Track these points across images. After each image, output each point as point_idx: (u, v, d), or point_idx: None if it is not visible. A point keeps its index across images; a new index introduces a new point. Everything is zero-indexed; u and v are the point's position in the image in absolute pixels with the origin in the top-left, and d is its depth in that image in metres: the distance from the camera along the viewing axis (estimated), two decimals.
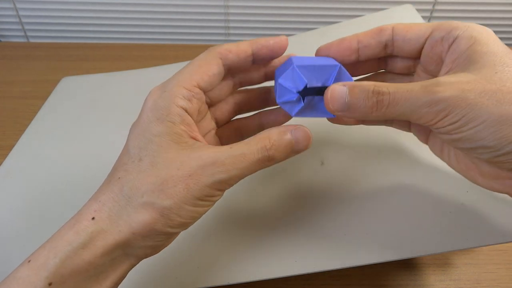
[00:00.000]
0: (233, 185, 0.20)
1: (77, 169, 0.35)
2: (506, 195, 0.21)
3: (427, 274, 0.32)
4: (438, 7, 0.71)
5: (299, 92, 0.21)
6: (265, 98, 0.26)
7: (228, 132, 0.26)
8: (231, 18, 0.73)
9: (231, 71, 0.23)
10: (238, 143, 0.20)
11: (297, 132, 0.20)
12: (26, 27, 0.74)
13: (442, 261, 0.33)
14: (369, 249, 0.25)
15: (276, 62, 0.25)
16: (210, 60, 0.22)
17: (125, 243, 0.19)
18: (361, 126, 0.32)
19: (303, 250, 0.26)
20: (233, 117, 0.26)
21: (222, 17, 0.73)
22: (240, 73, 0.25)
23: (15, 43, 0.73)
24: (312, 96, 0.22)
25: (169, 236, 0.20)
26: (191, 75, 0.21)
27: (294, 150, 0.21)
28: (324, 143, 0.32)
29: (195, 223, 0.20)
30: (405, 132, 0.31)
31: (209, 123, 0.24)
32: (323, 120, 0.34)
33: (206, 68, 0.21)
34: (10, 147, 0.40)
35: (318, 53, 0.25)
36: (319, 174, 0.30)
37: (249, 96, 0.26)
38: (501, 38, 0.21)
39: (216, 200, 0.20)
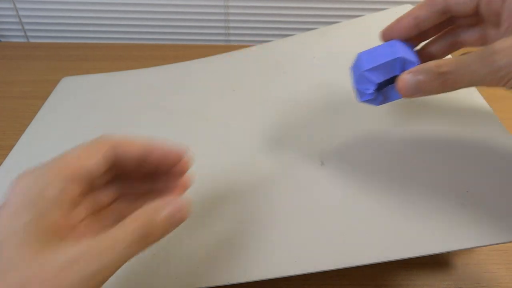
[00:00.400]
0: (111, 275, 0.17)
1: None
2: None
3: (427, 274, 0.32)
4: None
5: (374, 90, 0.25)
6: (150, 187, 0.24)
7: (110, 215, 0.23)
8: (231, 18, 0.73)
9: (118, 162, 0.21)
10: (112, 229, 0.18)
11: (172, 206, 0.19)
12: (26, 27, 0.74)
13: (442, 261, 0.33)
14: (369, 249, 0.25)
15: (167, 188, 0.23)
16: (97, 148, 0.20)
17: None
18: (361, 126, 0.32)
19: (303, 250, 0.26)
20: (115, 200, 0.24)
21: (222, 17, 0.73)
22: (127, 170, 0.22)
23: (15, 43, 0.73)
24: (385, 86, 0.25)
25: None
26: (72, 160, 0.19)
27: (171, 223, 0.19)
28: (324, 142, 0.32)
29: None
30: (405, 133, 0.31)
31: (87, 208, 0.21)
32: (323, 121, 0.34)
33: (90, 154, 0.20)
34: (10, 147, 0.40)
35: (382, 37, 0.26)
36: (319, 174, 0.30)
37: (133, 183, 0.24)
38: None
39: None
